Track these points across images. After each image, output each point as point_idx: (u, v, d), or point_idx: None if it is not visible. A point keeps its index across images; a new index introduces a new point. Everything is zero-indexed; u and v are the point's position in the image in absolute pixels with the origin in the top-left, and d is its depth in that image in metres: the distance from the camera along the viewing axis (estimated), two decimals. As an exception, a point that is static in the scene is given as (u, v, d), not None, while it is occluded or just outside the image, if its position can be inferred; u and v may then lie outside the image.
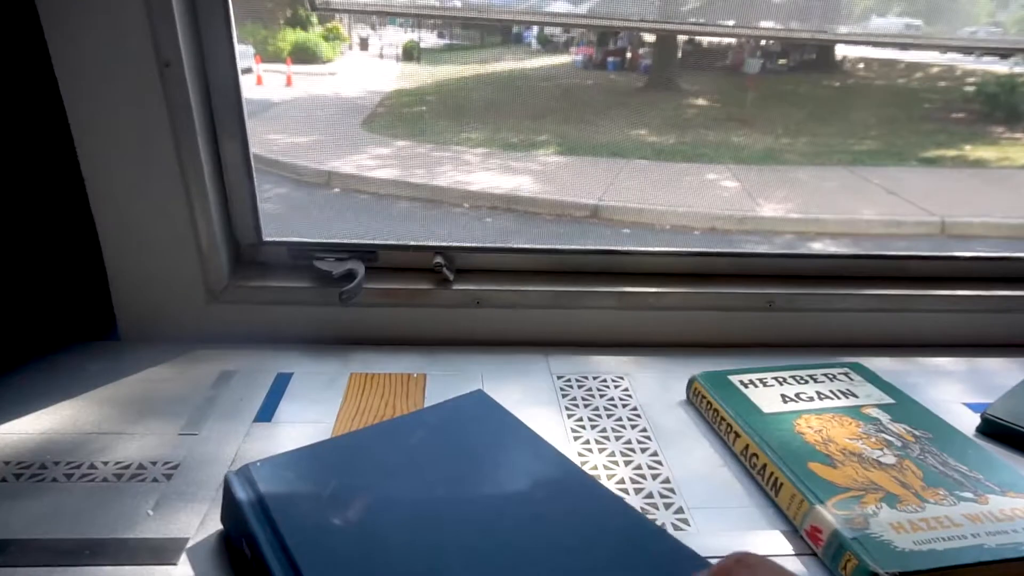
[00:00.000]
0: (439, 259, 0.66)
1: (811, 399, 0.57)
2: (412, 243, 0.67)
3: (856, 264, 0.72)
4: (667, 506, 0.47)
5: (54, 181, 0.60)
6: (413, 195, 2.39)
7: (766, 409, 0.55)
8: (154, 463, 0.49)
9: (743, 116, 2.67)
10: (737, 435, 0.53)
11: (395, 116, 2.62)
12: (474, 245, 0.67)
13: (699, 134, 2.63)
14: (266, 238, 0.66)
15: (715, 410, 0.56)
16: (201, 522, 0.44)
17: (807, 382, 0.59)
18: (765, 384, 0.58)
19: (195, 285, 0.64)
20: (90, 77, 0.55)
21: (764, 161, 2.55)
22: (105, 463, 0.49)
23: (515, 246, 0.68)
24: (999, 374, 0.65)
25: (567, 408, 0.58)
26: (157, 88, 0.56)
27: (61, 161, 0.59)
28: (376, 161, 2.57)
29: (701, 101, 2.70)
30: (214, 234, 0.62)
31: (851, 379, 0.60)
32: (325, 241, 0.66)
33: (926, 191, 2.39)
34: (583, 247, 0.69)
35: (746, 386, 0.58)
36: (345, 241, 0.66)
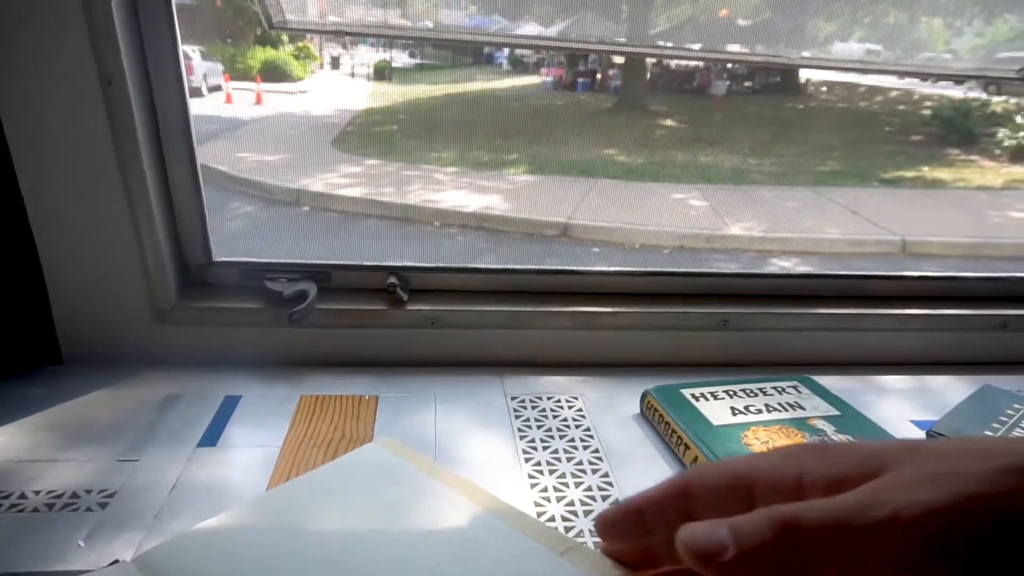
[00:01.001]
0: (392, 279, 0.65)
1: (759, 411, 0.57)
2: (366, 263, 0.66)
3: (810, 283, 0.73)
4: (616, 528, 0.47)
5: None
6: (383, 213, 2.39)
7: (716, 422, 0.55)
8: (89, 491, 0.48)
9: (711, 136, 2.72)
10: (687, 447, 0.53)
11: (366, 135, 2.63)
12: (429, 265, 0.67)
13: (667, 154, 2.68)
14: (216, 258, 0.65)
15: (667, 423, 0.56)
16: (135, 552, 0.42)
17: (756, 395, 0.60)
18: (716, 397, 0.59)
19: (141, 306, 0.62)
20: (30, 93, 0.54)
21: (731, 181, 2.60)
22: (36, 492, 0.47)
23: (470, 266, 0.68)
24: (946, 392, 0.66)
25: (520, 429, 0.57)
26: (100, 105, 0.55)
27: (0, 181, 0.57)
28: (346, 179, 2.57)
29: (669, 122, 2.75)
30: (160, 253, 0.61)
31: (799, 392, 0.61)
32: (277, 261, 0.66)
33: (887, 211, 2.46)
34: (539, 267, 0.69)
35: (697, 399, 0.58)
36: (297, 261, 0.65)
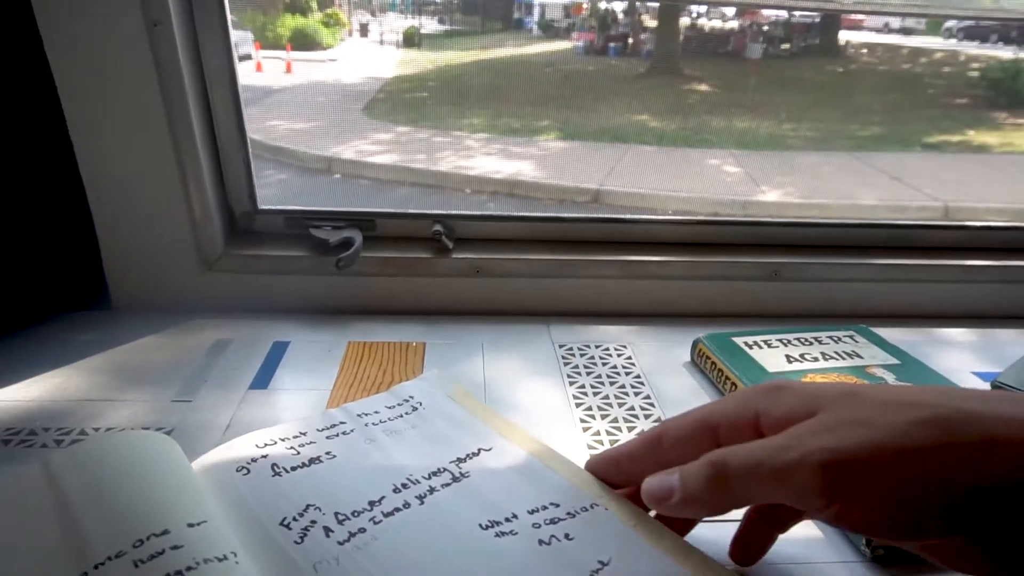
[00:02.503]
0: (438, 227, 0.64)
1: (815, 359, 0.56)
2: (410, 211, 0.65)
3: (864, 233, 0.70)
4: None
5: (44, 150, 0.59)
6: (414, 180, 2.38)
7: (771, 369, 0.54)
8: (146, 428, 0.48)
9: (746, 101, 2.65)
10: (742, 395, 0.52)
11: (396, 102, 2.60)
12: (474, 213, 0.66)
13: (701, 120, 2.61)
14: (262, 206, 0.65)
15: (719, 370, 0.55)
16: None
17: (811, 344, 0.58)
18: (769, 345, 0.57)
19: (189, 254, 0.63)
20: (78, 38, 0.54)
21: (767, 147, 2.53)
22: (96, 428, 0.48)
23: (516, 214, 0.67)
24: (1010, 344, 0.64)
25: (569, 376, 0.57)
26: (146, 48, 0.54)
27: (50, 128, 0.57)
28: (377, 147, 2.55)
29: (703, 86, 2.68)
30: (207, 202, 0.61)
31: (856, 341, 0.59)
32: (321, 209, 0.65)
33: (929, 176, 2.37)
34: (585, 215, 0.67)
35: (750, 347, 0.57)
36: (342, 209, 0.65)
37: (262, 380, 0.54)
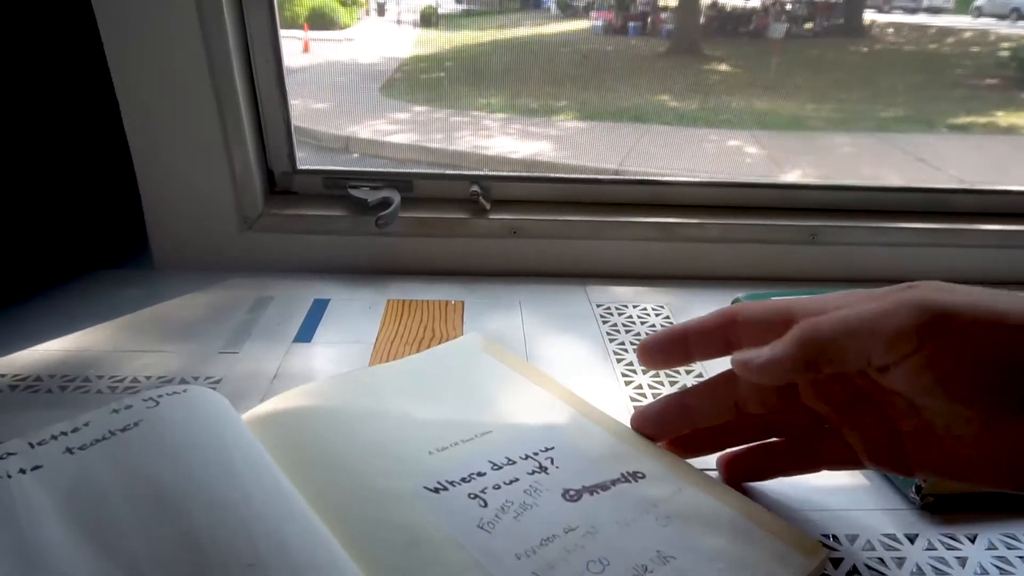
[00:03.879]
0: (475, 188, 0.65)
1: (858, 319, 0.55)
2: (448, 172, 0.66)
3: (902, 197, 0.70)
4: (716, 423, 0.46)
5: (90, 114, 0.59)
6: (432, 160, 2.38)
7: (812, 329, 0.54)
8: (196, 378, 0.49)
9: (767, 81, 2.62)
10: (785, 353, 0.52)
11: (413, 82, 2.60)
12: (511, 174, 0.66)
13: (722, 100, 2.59)
14: (300, 166, 0.65)
15: (761, 331, 0.55)
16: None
17: (853, 305, 0.58)
18: (811, 306, 0.57)
19: (229, 213, 0.63)
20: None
21: (789, 127, 2.50)
22: (148, 377, 0.49)
23: (551, 175, 0.66)
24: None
25: (608, 333, 0.57)
26: (191, 8, 0.55)
27: (96, 89, 0.58)
28: (394, 126, 2.55)
29: (724, 66, 2.65)
30: (248, 161, 0.62)
31: (899, 303, 0.59)
32: (359, 170, 0.65)
33: (955, 158, 2.34)
34: (621, 177, 0.67)
35: (792, 308, 0.57)
36: (380, 170, 0.65)
37: (305, 334, 0.55)
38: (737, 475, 0.38)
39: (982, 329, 0.26)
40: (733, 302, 0.58)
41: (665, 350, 0.37)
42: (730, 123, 2.47)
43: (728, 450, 0.38)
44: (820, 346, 0.29)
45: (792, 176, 2.22)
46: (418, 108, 2.51)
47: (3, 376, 0.48)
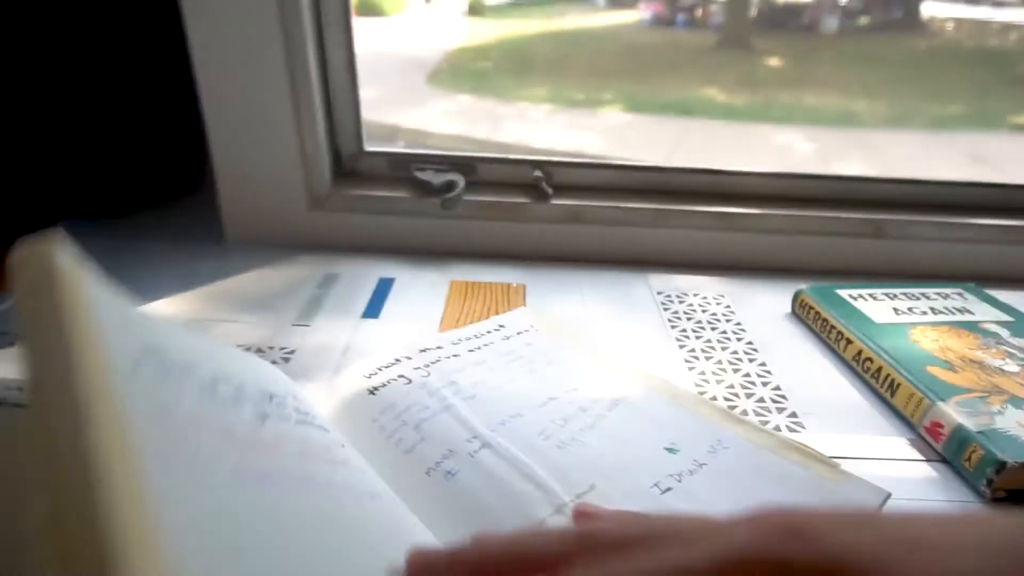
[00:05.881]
0: (538, 173, 0.65)
1: (924, 313, 0.55)
2: (511, 157, 0.66)
3: (970, 192, 0.68)
4: (780, 410, 0.46)
5: (171, 91, 0.62)
6: (477, 150, 2.39)
7: (878, 320, 0.53)
8: (271, 348, 0.51)
9: (819, 76, 2.56)
10: (849, 342, 0.51)
11: (459, 71, 2.61)
12: (574, 160, 0.66)
13: (771, 94, 2.54)
14: (367, 148, 0.67)
15: (824, 320, 0.54)
16: (323, 400, 0.45)
17: (919, 299, 0.57)
18: (875, 299, 0.57)
19: (298, 192, 0.65)
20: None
21: (840, 124, 2.45)
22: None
23: (614, 162, 0.67)
24: None
25: (670, 320, 0.57)
26: (272, -13, 0.56)
27: (177, 69, 0.60)
28: (440, 116, 2.58)
29: (774, 60, 2.60)
30: (319, 141, 0.63)
31: (965, 299, 0.58)
32: (425, 152, 0.67)
33: (1017, 158, 2.26)
34: (683, 166, 0.67)
35: (855, 299, 0.56)
36: (445, 153, 0.66)
37: (373, 310, 0.57)
38: None
39: None
40: (796, 294, 0.58)
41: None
42: (779, 118, 2.42)
43: None
44: None
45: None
46: (463, 98, 2.52)
47: (92, 339, 0.51)
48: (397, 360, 0.46)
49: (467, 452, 0.37)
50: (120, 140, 0.64)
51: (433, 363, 0.46)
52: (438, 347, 0.48)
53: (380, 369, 0.45)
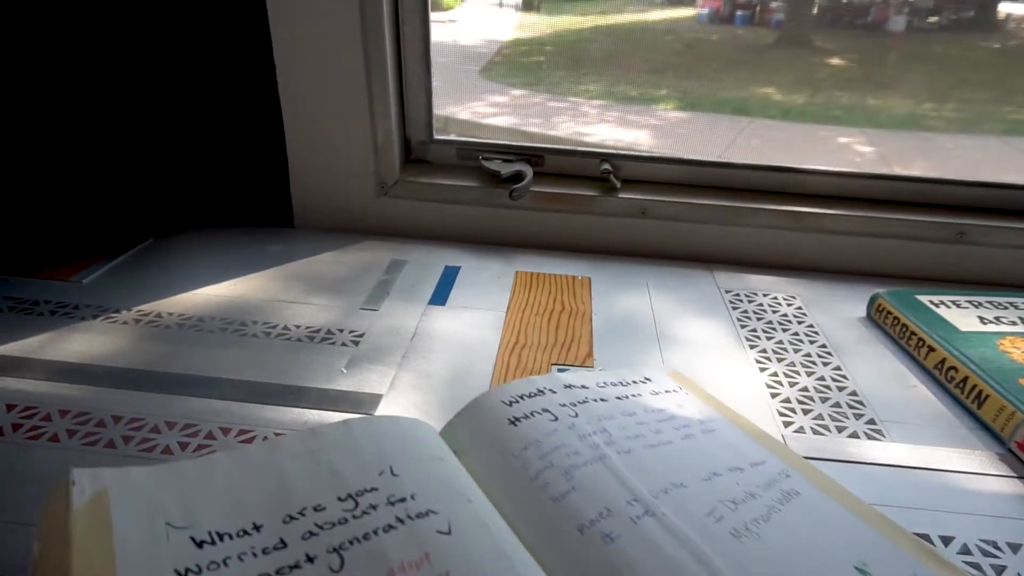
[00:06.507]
0: (606, 166, 0.65)
1: (1014, 323, 0.52)
2: (579, 149, 0.66)
3: (1062, 201, 0.65)
4: (857, 416, 0.45)
5: (249, 84, 0.63)
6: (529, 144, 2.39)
7: (963, 328, 0.51)
8: (341, 330, 0.52)
9: (883, 77, 2.48)
10: (931, 349, 0.49)
11: (513, 65, 2.61)
12: (642, 154, 0.65)
13: (832, 95, 2.47)
14: (436, 136, 0.67)
15: (903, 325, 0.52)
16: (391, 383, 0.45)
17: (1006, 308, 0.55)
18: (958, 306, 0.54)
19: (368, 179, 0.66)
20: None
21: (904, 127, 2.36)
22: (297, 326, 0.52)
23: (683, 157, 0.66)
24: None
25: (739, 319, 0.56)
26: (354, -25, 0.57)
27: (255, 58, 0.61)
28: (492, 109, 2.58)
29: (836, 60, 2.53)
30: (390, 129, 0.64)
31: (1059, 310, 0.55)
32: (493, 142, 0.67)
33: (1097, 168, 2.14)
34: (754, 163, 0.66)
35: (937, 306, 0.54)
36: (513, 143, 0.66)
37: (440, 297, 0.57)
38: None
39: None
40: (872, 298, 0.56)
41: None
42: (840, 119, 2.35)
43: None
44: None
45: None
46: (516, 92, 2.52)
47: (171, 315, 0.52)
48: (540, 391, 0.41)
49: (629, 516, 0.32)
50: (210, 153, 0.66)
51: (580, 403, 0.41)
52: (583, 386, 0.43)
53: (522, 398, 0.40)
